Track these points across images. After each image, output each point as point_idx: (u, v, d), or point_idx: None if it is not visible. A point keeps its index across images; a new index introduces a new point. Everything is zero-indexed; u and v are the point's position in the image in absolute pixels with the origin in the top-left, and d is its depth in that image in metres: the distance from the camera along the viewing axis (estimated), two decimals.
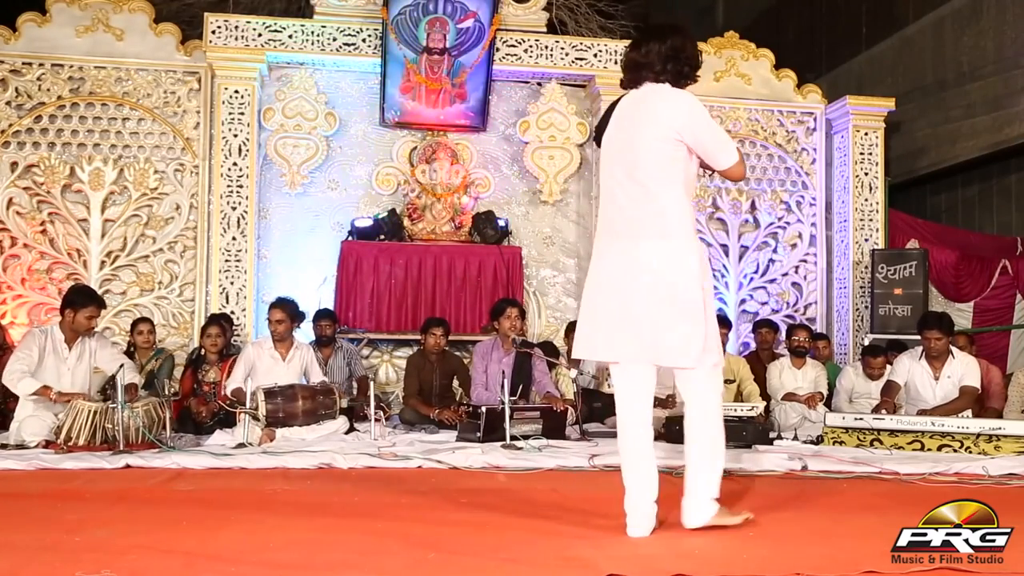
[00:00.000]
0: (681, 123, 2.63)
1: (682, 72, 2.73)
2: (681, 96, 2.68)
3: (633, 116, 2.70)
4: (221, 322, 5.96)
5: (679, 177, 2.66)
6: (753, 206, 7.88)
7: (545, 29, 7.46)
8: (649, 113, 2.66)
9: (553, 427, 5.07)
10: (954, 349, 5.45)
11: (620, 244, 2.70)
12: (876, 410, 5.25)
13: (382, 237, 7.05)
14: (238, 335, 6.55)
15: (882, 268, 7.46)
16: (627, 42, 7.69)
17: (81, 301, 4.85)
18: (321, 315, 6.39)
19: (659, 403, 5.55)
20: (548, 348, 6.44)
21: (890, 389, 5.45)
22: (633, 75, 2.76)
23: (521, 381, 5.50)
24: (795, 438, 5.40)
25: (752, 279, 7.86)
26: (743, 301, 7.83)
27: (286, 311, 5.42)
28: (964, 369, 5.36)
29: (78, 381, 4.84)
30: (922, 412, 5.21)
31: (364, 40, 7.11)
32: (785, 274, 7.93)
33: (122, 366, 4.61)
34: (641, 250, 2.63)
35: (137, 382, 4.91)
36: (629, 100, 2.76)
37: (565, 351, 6.62)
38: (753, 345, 7.16)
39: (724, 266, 7.74)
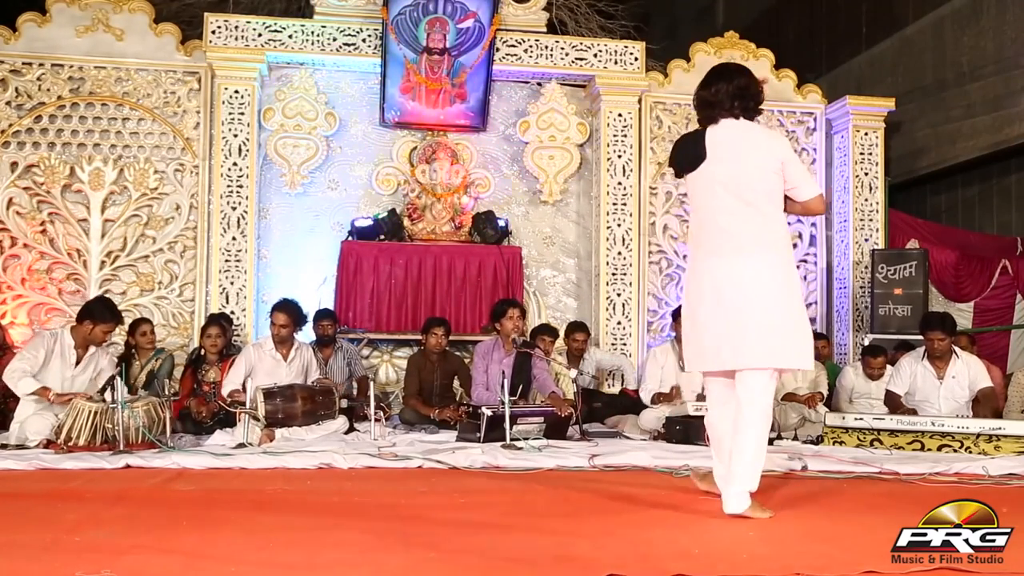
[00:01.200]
0: (782, 155, 3.00)
1: (748, 107, 3.06)
2: (778, 134, 3.21)
3: (738, 147, 3.01)
4: (221, 322, 5.96)
5: (780, 200, 3.04)
6: None
7: (545, 29, 7.45)
8: (755, 145, 3.01)
9: (554, 427, 5.07)
10: (957, 349, 5.45)
11: (726, 260, 2.97)
12: None
13: (382, 237, 7.05)
14: (238, 335, 6.55)
15: (882, 268, 7.46)
16: (627, 42, 7.75)
17: (102, 316, 4.89)
18: (322, 315, 6.39)
19: (664, 398, 5.56)
20: (546, 329, 6.43)
21: (891, 399, 5.46)
22: (707, 112, 3.08)
23: (521, 381, 5.50)
24: (795, 438, 5.41)
25: None
26: None
27: (290, 316, 5.40)
28: (969, 370, 5.35)
29: (78, 388, 4.84)
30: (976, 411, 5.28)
31: (364, 40, 7.11)
32: None
33: (119, 368, 4.62)
34: (753, 263, 2.93)
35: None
36: (725, 133, 3.04)
37: (565, 351, 6.62)
38: None
39: None
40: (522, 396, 5.48)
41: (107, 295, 6.59)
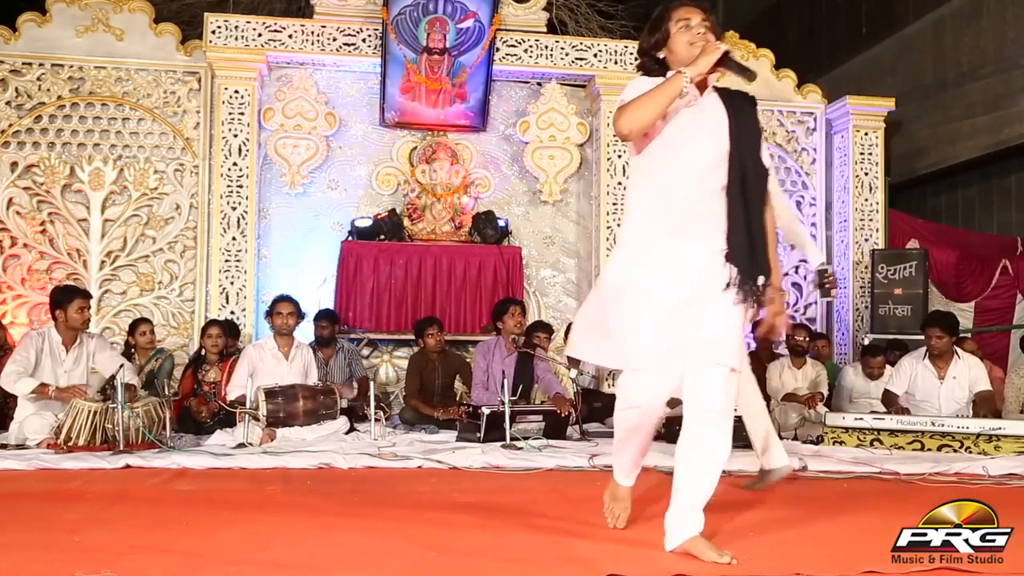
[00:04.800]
0: None
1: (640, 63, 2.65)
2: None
3: None
4: (223, 325, 5.95)
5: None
6: None
7: (545, 29, 7.45)
8: None
9: (554, 427, 5.07)
10: (959, 350, 5.44)
11: None
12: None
13: (382, 237, 7.05)
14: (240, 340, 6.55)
15: (882, 268, 7.46)
16: (627, 42, 7.74)
17: (66, 298, 4.88)
18: (322, 315, 6.39)
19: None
20: (541, 326, 6.43)
21: (888, 398, 5.45)
22: None
23: (522, 382, 5.50)
24: (795, 438, 5.40)
25: None
26: None
27: (294, 304, 5.50)
28: (970, 371, 5.33)
29: (76, 380, 4.84)
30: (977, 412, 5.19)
31: (364, 40, 7.10)
32: (785, 274, 7.93)
33: (121, 366, 4.61)
34: None
35: (136, 383, 4.91)
36: None
37: (565, 352, 6.62)
38: (752, 345, 7.15)
39: None
40: (522, 396, 5.48)
41: (107, 295, 6.62)
